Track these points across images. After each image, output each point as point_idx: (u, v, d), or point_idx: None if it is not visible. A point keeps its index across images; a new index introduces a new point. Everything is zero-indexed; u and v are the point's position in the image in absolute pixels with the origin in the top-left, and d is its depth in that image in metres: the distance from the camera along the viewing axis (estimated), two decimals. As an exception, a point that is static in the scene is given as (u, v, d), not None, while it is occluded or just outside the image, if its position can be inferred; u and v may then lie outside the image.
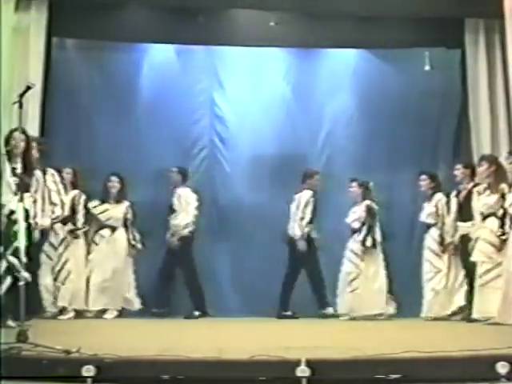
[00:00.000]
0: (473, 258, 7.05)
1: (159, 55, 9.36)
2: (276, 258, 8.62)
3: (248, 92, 9.41)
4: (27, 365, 3.48)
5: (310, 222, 8.34)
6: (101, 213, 8.10)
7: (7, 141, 5.90)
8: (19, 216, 4.73)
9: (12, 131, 5.90)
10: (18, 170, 5.54)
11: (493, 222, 6.91)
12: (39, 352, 3.66)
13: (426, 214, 8.02)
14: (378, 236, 8.09)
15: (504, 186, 6.90)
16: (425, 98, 9.24)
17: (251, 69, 9.44)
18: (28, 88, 4.45)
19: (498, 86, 8.65)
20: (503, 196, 6.88)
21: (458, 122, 9.20)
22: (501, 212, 6.85)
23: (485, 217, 7.02)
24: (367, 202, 8.16)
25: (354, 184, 8.30)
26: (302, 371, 3.42)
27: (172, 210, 8.36)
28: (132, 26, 8.70)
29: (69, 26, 8.47)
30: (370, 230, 8.04)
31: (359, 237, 8.04)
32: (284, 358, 3.58)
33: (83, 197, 7.98)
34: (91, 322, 7.48)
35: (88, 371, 3.39)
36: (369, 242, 7.99)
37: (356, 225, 8.13)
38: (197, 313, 8.09)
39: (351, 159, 9.23)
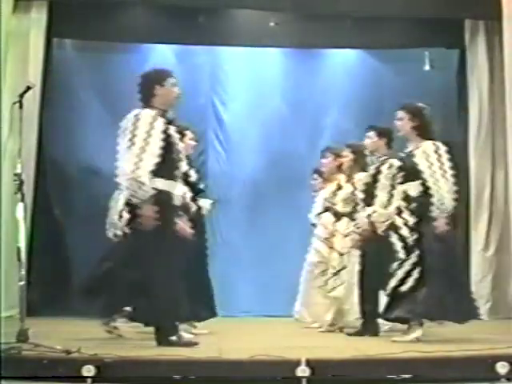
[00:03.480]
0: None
1: (159, 56, 9.36)
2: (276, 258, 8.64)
3: (248, 93, 9.41)
4: (27, 365, 3.49)
5: None
6: None
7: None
8: (19, 216, 4.70)
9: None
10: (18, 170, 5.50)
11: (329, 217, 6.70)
12: (39, 352, 3.66)
13: None
14: None
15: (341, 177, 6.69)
16: (424, 98, 9.23)
17: (251, 69, 9.45)
18: (28, 88, 4.44)
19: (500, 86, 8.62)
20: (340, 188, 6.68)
21: (457, 122, 9.21)
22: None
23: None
24: None
25: None
26: (302, 371, 3.42)
27: None
28: (132, 26, 8.69)
29: (69, 27, 8.46)
30: None
31: None
32: (284, 357, 3.59)
33: None
34: (91, 321, 7.45)
35: (88, 371, 3.40)
36: None
37: None
38: None
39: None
